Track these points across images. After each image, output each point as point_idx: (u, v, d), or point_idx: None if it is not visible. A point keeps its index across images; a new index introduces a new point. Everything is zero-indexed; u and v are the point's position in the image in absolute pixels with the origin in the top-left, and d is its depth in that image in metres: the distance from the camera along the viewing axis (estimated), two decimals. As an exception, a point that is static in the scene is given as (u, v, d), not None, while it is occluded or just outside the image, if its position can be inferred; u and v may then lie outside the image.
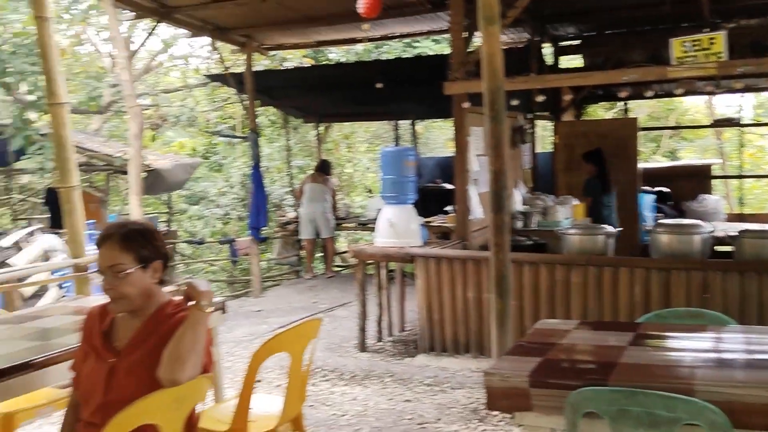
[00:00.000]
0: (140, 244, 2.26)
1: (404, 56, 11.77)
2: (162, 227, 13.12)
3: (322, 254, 10.29)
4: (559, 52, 9.68)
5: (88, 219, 5.11)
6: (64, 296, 6.61)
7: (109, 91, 11.80)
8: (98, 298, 4.03)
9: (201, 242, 15.09)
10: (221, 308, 3.41)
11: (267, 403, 3.01)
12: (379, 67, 9.27)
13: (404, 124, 12.23)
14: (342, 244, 14.10)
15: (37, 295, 7.19)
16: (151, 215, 13.48)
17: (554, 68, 9.39)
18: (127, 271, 2.21)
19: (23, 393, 2.83)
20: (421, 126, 14.94)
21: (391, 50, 12.48)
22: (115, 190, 14.79)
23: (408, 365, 5.17)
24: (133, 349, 2.25)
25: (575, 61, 11.23)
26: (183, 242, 14.40)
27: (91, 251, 5.10)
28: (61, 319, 3.51)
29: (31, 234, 8.02)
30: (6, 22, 10.00)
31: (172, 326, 2.23)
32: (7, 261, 7.14)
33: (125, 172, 12.33)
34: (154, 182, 11.22)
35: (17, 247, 7.56)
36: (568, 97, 9.53)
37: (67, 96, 4.96)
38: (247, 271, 13.10)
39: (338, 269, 10.86)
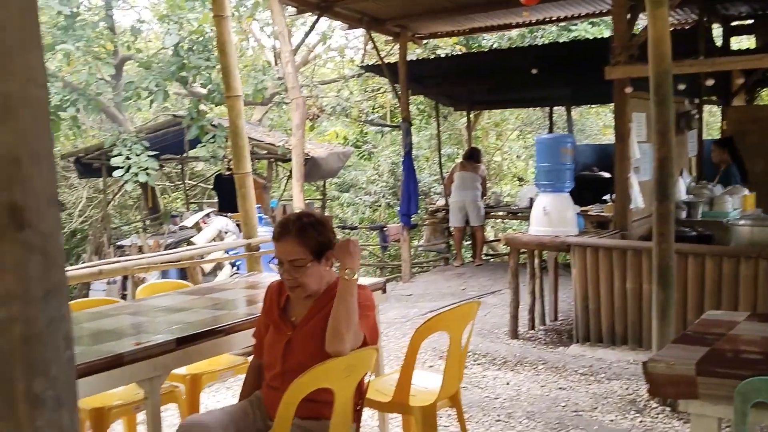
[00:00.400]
0: (315, 238, 2.45)
1: (560, 40, 11.49)
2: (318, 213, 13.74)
3: (470, 242, 10.35)
4: (730, 32, 9.07)
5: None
6: (236, 273, 7.18)
7: (272, 83, 12.50)
8: (268, 275, 4.37)
9: (353, 228, 15.64)
10: (382, 288, 3.58)
11: (426, 379, 3.13)
12: (534, 53, 9.15)
13: (558, 110, 11.96)
14: (490, 233, 14.07)
15: (211, 272, 7.86)
16: (307, 201, 14.17)
17: (724, 50, 8.81)
18: (307, 266, 2.42)
19: (209, 357, 3.16)
20: (576, 112, 14.55)
21: (547, 35, 12.23)
22: (275, 176, 15.67)
23: (561, 354, 5.14)
24: (307, 324, 2.47)
25: (747, 41, 10.46)
26: (335, 228, 14.98)
27: (262, 233, 5.51)
28: (238, 292, 3.84)
29: (207, 216, 8.75)
30: (184, 21, 10.88)
31: None
32: (191, 239, 7.86)
33: (285, 160, 13.05)
34: (311, 170, 11.77)
35: (197, 227, 8.30)
36: (739, 81, 8.91)
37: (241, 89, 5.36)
38: (396, 257, 13.45)
39: (487, 258, 10.87)
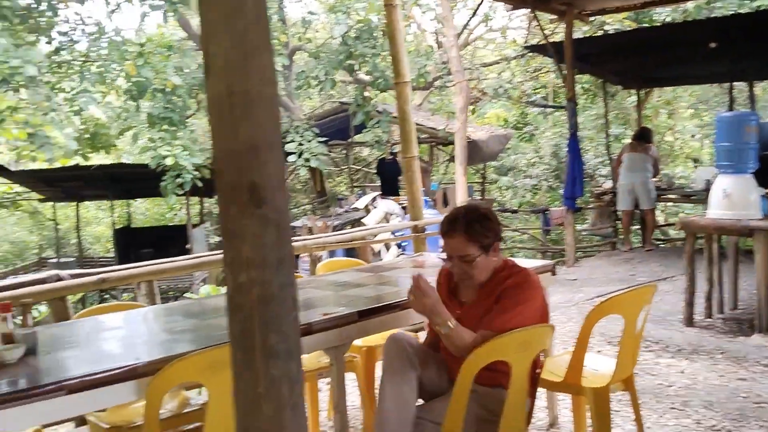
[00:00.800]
0: (482, 234, 2.55)
1: (742, 11, 10.63)
2: (477, 197, 13.79)
3: (640, 226, 9.92)
4: None
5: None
6: (402, 253, 7.44)
7: (434, 67, 12.67)
8: (433, 255, 4.51)
9: (513, 211, 15.53)
10: (551, 271, 3.59)
11: (597, 362, 3.12)
12: (712, 25, 8.55)
13: (739, 85, 11.09)
14: (660, 216, 13.39)
15: (377, 252, 8.19)
16: (467, 185, 14.25)
17: None
18: (476, 260, 2.53)
19: (383, 330, 3.34)
20: (759, 87, 13.42)
21: (726, 5, 11.36)
22: (435, 160, 15.87)
23: (742, 344, 4.85)
24: (474, 306, 2.60)
25: None
26: (496, 211, 14.92)
27: (426, 215, 5.67)
28: (407, 271, 4.00)
29: (374, 199, 9.15)
30: (351, 11, 11.28)
31: (504, 289, 2.54)
32: (362, 220, 8.27)
33: (445, 144, 13.21)
34: (472, 153, 11.80)
35: (366, 209, 8.72)
36: None
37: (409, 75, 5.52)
38: (558, 241, 13.17)
39: (657, 242, 10.37)
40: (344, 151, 17.08)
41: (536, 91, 16.56)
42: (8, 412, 1.94)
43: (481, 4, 8.40)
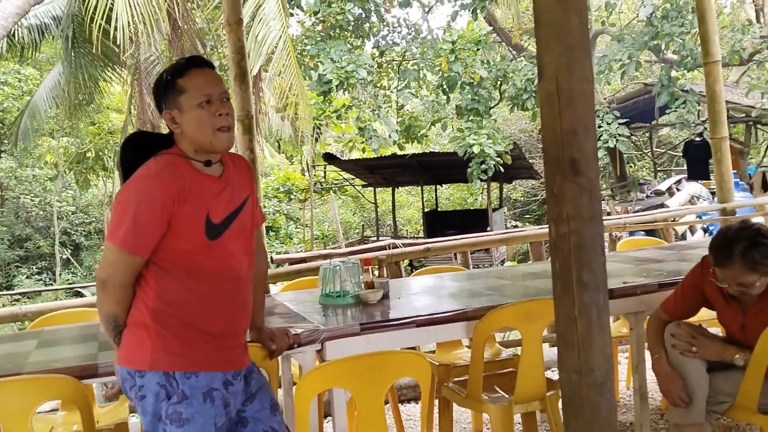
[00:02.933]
0: (763, 262, 2.30)
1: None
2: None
3: None
4: None
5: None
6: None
7: (751, 42, 11.66)
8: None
9: None
10: None
11: None
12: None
13: None
14: None
15: (681, 236, 7.98)
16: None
17: None
18: (756, 285, 2.34)
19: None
20: None
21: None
22: (753, 141, 14.54)
23: None
24: (761, 311, 2.45)
25: None
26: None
27: (738, 198, 5.49)
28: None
29: (678, 182, 8.91)
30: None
31: None
32: (664, 203, 8.17)
33: (766, 124, 12.08)
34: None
35: (669, 192, 8.56)
36: None
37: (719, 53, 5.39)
38: None
39: None
40: (647, 134, 16.45)
41: None
42: (374, 336, 2.59)
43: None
